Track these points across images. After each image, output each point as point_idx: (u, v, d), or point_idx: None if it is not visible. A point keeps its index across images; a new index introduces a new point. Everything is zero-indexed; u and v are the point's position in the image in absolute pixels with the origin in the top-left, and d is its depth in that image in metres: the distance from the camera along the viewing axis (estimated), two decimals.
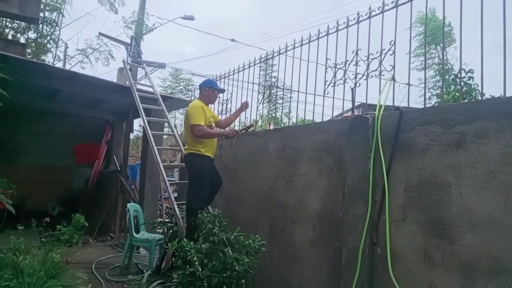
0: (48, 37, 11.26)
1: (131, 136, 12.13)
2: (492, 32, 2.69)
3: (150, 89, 6.48)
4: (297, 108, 4.68)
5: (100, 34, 12.00)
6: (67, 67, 13.17)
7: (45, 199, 8.04)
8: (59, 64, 13.15)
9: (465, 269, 2.32)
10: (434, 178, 2.58)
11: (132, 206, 5.31)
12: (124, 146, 7.94)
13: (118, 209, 6.98)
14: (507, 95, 2.51)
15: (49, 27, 11.15)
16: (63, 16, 11.78)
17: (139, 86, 6.57)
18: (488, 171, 2.30)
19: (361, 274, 2.81)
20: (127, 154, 7.77)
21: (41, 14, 10.16)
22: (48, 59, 12.47)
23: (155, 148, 5.09)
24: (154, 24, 12.71)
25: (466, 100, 4.21)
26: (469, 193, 2.37)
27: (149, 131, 5.27)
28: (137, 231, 5.16)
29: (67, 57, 14.03)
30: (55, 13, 11.63)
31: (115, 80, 9.55)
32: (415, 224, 2.63)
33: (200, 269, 3.11)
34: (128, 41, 11.57)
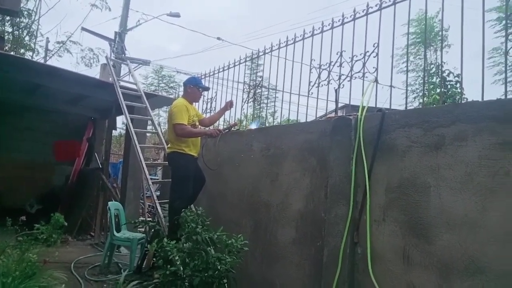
0: (26, 30, 10.89)
1: (114, 133, 11.95)
2: (476, 38, 2.76)
3: (134, 86, 6.39)
4: (281, 108, 4.70)
5: (83, 29, 11.77)
6: (48, 62, 12.83)
7: (23, 197, 7.83)
8: (39, 59, 12.83)
9: (442, 269, 2.38)
10: (414, 179, 2.62)
11: (113, 205, 5.22)
12: (106, 144, 7.81)
13: (99, 208, 6.86)
14: (485, 99, 2.57)
15: (27, 18, 10.77)
16: (40, 6, 11.39)
17: (122, 83, 6.47)
18: (466, 173, 2.36)
19: (342, 274, 2.84)
20: (109, 152, 7.64)
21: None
22: (28, 53, 12.12)
23: (137, 146, 5.02)
24: (139, 20, 12.55)
25: (446, 103, 4.30)
26: (447, 195, 2.43)
27: (132, 129, 5.19)
28: (118, 230, 5.09)
29: (48, 52, 13.69)
30: (32, 3, 11.21)
31: (97, 76, 9.36)
32: (395, 224, 2.68)
33: (181, 269, 3.08)
34: (112, 36, 11.39)
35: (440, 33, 9.67)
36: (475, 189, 2.30)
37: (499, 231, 2.17)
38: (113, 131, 8.51)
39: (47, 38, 13.70)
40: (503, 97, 2.79)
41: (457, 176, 2.40)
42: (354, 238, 2.89)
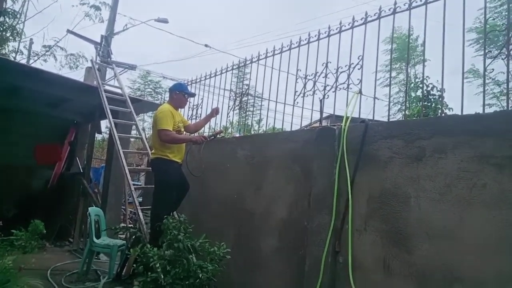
0: (9, 31, 10.62)
1: (97, 137, 11.74)
2: (455, 53, 2.86)
3: (119, 91, 6.32)
4: (267, 116, 4.73)
5: (69, 31, 11.61)
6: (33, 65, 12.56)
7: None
8: (23, 60, 12.56)
9: (421, 279, 2.42)
10: (395, 190, 2.67)
11: (93, 210, 5.12)
12: (88, 148, 7.67)
13: (79, 213, 6.70)
14: (464, 113, 2.65)
15: (11, 19, 10.52)
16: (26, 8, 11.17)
17: (107, 87, 6.40)
18: (445, 185, 2.42)
19: (323, 282, 2.85)
20: (91, 156, 7.51)
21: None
22: (11, 54, 11.84)
23: (121, 151, 4.95)
24: (126, 25, 12.46)
25: (428, 116, 4.41)
26: (427, 205, 2.48)
27: (116, 134, 5.12)
28: (98, 237, 4.98)
29: (32, 54, 13.41)
30: (18, 4, 10.98)
31: (82, 80, 9.23)
32: (376, 234, 2.72)
33: (162, 276, 3.04)
34: (98, 40, 11.28)
35: (419, 48, 9.99)
36: (454, 200, 2.36)
37: (476, 242, 2.23)
38: (96, 135, 8.38)
39: (31, 39, 13.45)
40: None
41: (436, 187, 2.46)
42: (336, 247, 2.91)
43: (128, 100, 5.95)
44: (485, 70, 2.68)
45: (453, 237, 2.32)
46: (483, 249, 2.19)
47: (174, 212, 4.23)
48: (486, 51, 2.73)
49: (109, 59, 10.62)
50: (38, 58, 12.12)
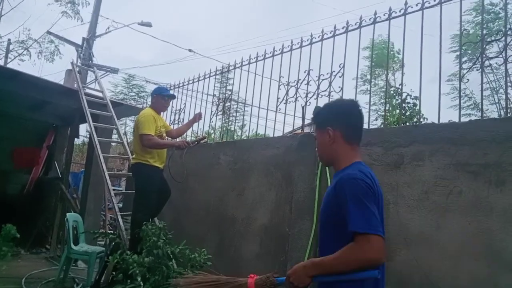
0: None
1: (77, 142, 11.49)
2: (434, 62, 2.94)
3: (100, 94, 6.21)
4: (250, 122, 4.75)
5: (49, 33, 11.39)
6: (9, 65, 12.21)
7: None
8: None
9: (399, 284, 2.45)
10: None
11: (71, 216, 4.99)
12: (67, 152, 7.50)
13: (57, 219, 6.52)
14: (441, 121, 2.72)
15: None
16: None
17: (88, 90, 6.27)
18: (422, 191, 2.48)
19: None
20: (70, 161, 7.34)
21: None
22: None
23: (101, 155, 4.86)
24: (108, 28, 12.30)
25: (406, 124, 4.52)
26: (405, 212, 2.53)
27: (96, 138, 5.02)
28: (76, 243, 4.85)
29: (10, 54, 13.05)
30: None
31: (62, 82, 9.04)
32: None
33: (141, 284, 2.98)
34: (80, 42, 11.09)
35: (396, 56, 10.22)
36: (431, 207, 2.42)
37: (452, 247, 2.29)
38: (76, 139, 8.20)
39: (9, 39, 13.11)
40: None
41: (414, 194, 2.51)
42: (317, 253, 2.92)
43: (109, 103, 5.85)
44: (460, 79, 2.77)
45: (430, 243, 2.37)
46: (459, 255, 2.25)
47: (155, 218, 4.17)
48: (462, 61, 2.83)
49: (90, 62, 10.44)
50: (15, 58, 11.77)
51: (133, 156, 4.31)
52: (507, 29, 2.55)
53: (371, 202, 1.42)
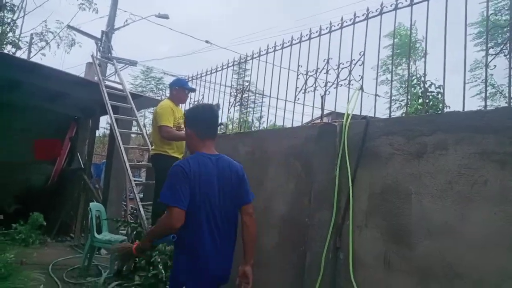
0: (7, 25, 10.52)
1: (98, 133, 11.73)
2: (456, 50, 2.84)
3: (120, 86, 6.31)
4: (268, 113, 4.73)
5: (69, 27, 11.58)
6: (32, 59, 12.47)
7: (0, 196, 7.61)
8: (23, 55, 12.52)
9: (421, 275, 2.42)
10: (396, 186, 2.67)
11: (94, 206, 5.13)
12: (89, 144, 7.69)
13: (80, 209, 6.73)
14: (466, 109, 2.64)
15: (10, 13, 10.42)
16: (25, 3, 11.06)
17: (108, 83, 6.39)
18: (446, 181, 2.42)
19: (324, 279, 2.86)
20: (92, 152, 7.52)
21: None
22: (11, 49, 11.79)
23: (121, 146, 4.96)
24: (126, 20, 12.42)
25: (429, 113, 4.41)
26: (428, 202, 2.48)
27: (116, 129, 5.12)
28: (99, 232, 5.00)
29: (33, 47, 13.34)
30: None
31: (83, 75, 9.22)
32: (377, 230, 2.72)
33: (163, 272, 3.05)
34: (99, 35, 11.25)
35: (419, 43, 9.95)
36: (455, 197, 2.36)
37: (476, 238, 2.23)
38: (97, 131, 8.38)
39: (32, 34, 13.40)
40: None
41: (437, 184, 2.46)
42: (337, 244, 2.92)
43: (128, 96, 5.95)
44: (487, 66, 2.67)
45: (454, 233, 2.32)
46: (484, 246, 2.19)
47: None
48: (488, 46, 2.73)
49: (109, 54, 10.60)
50: (37, 53, 12.00)
51: (152, 147, 4.38)
52: None
53: (180, 183, 1.96)
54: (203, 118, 2.25)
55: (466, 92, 2.75)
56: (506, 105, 2.86)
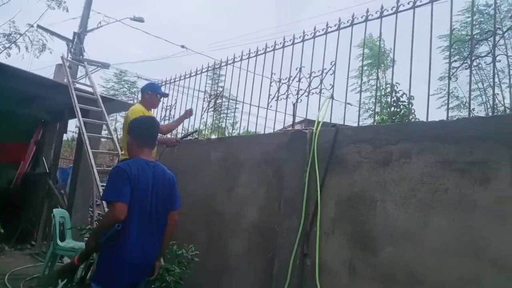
0: None
1: (66, 137, 11.33)
2: (424, 62, 2.94)
3: (90, 89, 6.14)
4: (241, 119, 4.73)
5: (39, 27, 11.20)
6: None
7: None
8: None
9: (385, 280, 2.46)
10: (363, 194, 2.72)
11: (58, 212, 4.93)
12: (56, 148, 7.41)
13: (43, 215, 6.44)
14: (429, 119, 2.73)
15: None
16: None
17: (78, 85, 6.20)
18: (409, 189, 2.49)
19: (290, 285, 2.85)
20: (59, 156, 7.25)
21: None
22: None
23: (89, 151, 4.79)
24: (100, 22, 12.15)
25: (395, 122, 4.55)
26: (392, 209, 2.54)
27: (85, 133, 4.96)
28: (62, 239, 4.79)
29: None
30: None
31: (52, 77, 8.91)
32: (343, 237, 2.75)
33: None
34: (71, 36, 10.94)
35: (388, 54, 10.30)
36: (417, 204, 2.43)
37: (437, 245, 2.30)
38: (65, 134, 8.10)
39: None
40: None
41: (401, 191, 2.52)
42: (304, 250, 2.92)
43: (99, 99, 5.78)
44: (449, 78, 2.78)
45: (416, 240, 2.38)
46: (444, 252, 2.26)
47: None
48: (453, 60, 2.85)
49: (81, 56, 10.32)
50: (2, 51, 11.49)
51: (122, 152, 4.26)
52: (496, 28, 2.57)
53: (121, 181, 2.19)
54: (144, 129, 2.56)
55: (435, 103, 2.86)
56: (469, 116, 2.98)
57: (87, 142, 4.88)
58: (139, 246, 2.28)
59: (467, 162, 2.28)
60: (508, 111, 6.43)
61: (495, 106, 4.14)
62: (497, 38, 2.58)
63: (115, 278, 2.26)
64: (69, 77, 5.75)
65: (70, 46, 10.48)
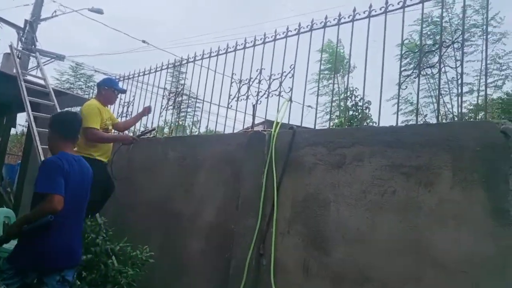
0: None
1: (15, 131, 10.67)
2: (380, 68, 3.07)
3: (42, 82, 5.81)
4: (201, 117, 4.70)
5: None
6: None
7: None
8: None
9: (336, 279, 2.56)
10: (318, 195, 2.80)
11: (3, 212, 4.64)
12: (2, 142, 6.95)
13: None
14: (387, 124, 2.85)
15: None
16: None
17: (28, 77, 5.85)
18: (361, 191, 2.60)
19: (246, 285, 2.88)
20: (5, 152, 6.81)
21: None
22: None
23: (39, 147, 4.54)
24: (55, 11, 11.52)
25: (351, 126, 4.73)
26: (344, 210, 2.64)
27: (34, 128, 4.69)
28: (7, 241, 4.50)
29: None
30: None
31: None
32: (298, 237, 2.82)
33: (77, 283, 2.83)
34: (22, 24, 10.27)
35: (346, 59, 10.71)
36: (367, 205, 2.54)
37: (384, 244, 2.42)
38: (13, 129, 7.62)
39: None
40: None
41: (353, 193, 2.63)
42: (260, 250, 2.96)
43: (51, 92, 5.49)
44: (400, 85, 2.94)
45: (365, 240, 2.49)
46: (390, 251, 2.39)
47: (97, 214, 3.99)
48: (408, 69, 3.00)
49: (33, 46, 9.73)
50: None
51: (75, 149, 4.08)
52: (442, 41, 2.75)
53: (56, 174, 2.28)
54: (69, 122, 2.64)
55: (392, 109, 3.00)
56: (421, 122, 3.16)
57: (37, 137, 4.62)
58: (70, 236, 2.44)
59: (413, 166, 2.42)
60: (456, 118, 6.89)
61: (445, 114, 4.40)
62: (444, 50, 2.75)
63: (44, 261, 2.36)
64: (18, 68, 5.43)
65: (21, 34, 9.84)
